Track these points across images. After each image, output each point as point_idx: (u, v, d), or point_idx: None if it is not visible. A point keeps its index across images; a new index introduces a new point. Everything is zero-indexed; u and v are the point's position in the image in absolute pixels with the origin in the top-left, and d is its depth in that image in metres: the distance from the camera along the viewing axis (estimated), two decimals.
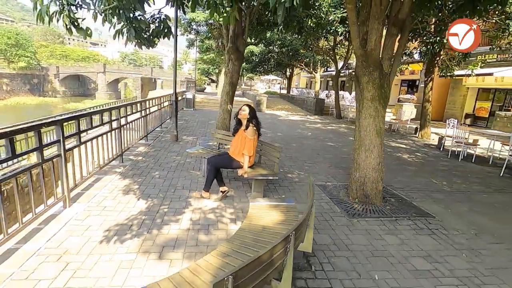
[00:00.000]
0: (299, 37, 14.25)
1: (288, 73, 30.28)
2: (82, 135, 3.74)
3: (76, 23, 2.77)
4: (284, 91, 33.14)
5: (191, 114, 13.93)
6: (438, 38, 8.23)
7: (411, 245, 3.13)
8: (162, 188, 4.21)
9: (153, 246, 2.75)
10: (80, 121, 3.73)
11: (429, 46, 8.64)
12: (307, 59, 21.94)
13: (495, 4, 3.64)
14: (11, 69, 48.88)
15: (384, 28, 4.16)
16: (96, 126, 4.25)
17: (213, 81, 48.95)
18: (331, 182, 5.05)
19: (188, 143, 7.43)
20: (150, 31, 3.59)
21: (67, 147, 3.37)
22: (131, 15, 3.09)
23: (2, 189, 2.37)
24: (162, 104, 9.14)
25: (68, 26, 2.72)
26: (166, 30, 3.61)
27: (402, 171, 6.12)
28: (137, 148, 6.38)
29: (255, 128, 3.86)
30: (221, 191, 3.89)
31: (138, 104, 6.49)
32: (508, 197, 4.99)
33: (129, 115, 5.69)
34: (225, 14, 3.23)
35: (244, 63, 26.82)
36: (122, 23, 3.29)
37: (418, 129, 11.28)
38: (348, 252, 2.90)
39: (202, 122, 11.43)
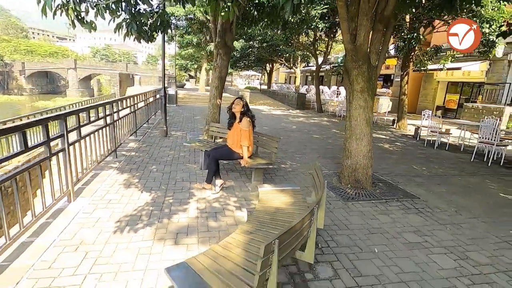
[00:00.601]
0: (284, 32, 14.47)
1: (268, 69, 30.49)
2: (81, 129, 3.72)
3: (80, 17, 2.77)
4: (264, 87, 33.39)
5: (175, 110, 13.79)
6: (414, 34, 8.76)
7: (402, 223, 3.45)
8: (162, 181, 4.27)
9: (167, 234, 2.85)
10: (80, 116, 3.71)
11: (406, 42, 9.17)
12: (288, 55, 22.24)
13: (469, 4, 4.03)
14: None
15: (371, 24, 4.44)
16: (94, 121, 4.23)
17: (191, 76, 48.23)
18: (323, 171, 5.33)
19: (178, 138, 7.45)
20: (148, 26, 3.61)
21: (72, 140, 3.36)
22: (133, 9, 3.12)
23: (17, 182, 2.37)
24: (147, 99, 9.03)
25: (72, 20, 2.72)
26: (164, 25, 3.65)
27: (385, 159, 6.54)
28: (128, 144, 6.33)
29: (248, 119, 4.01)
30: (219, 185, 4.00)
31: (128, 100, 6.42)
32: (479, 179, 5.52)
33: (120, 110, 5.64)
34: (226, 9, 3.34)
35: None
36: (122, 17, 3.31)
37: (396, 121, 11.93)
38: (348, 231, 3.16)
39: (188, 118, 11.40)
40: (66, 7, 2.61)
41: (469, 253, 2.88)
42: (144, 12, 3.30)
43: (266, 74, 32.35)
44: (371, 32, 4.35)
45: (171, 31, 20.93)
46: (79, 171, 3.73)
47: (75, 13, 2.65)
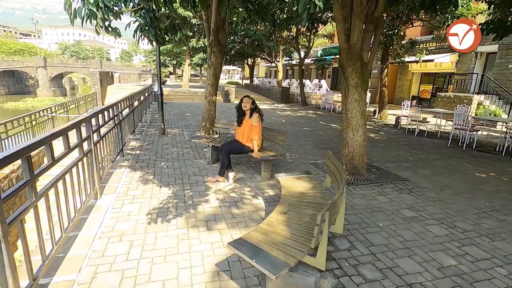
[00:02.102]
0: (268, 28, 14.71)
1: (250, 63, 30.68)
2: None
3: (108, 24, 2.95)
4: (246, 81, 33.57)
5: None
6: (396, 30, 9.38)
7: (397, 201, 3.95)
8: (176, 176, 4.52)
9: (197, 222, 3.15)
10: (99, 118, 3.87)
11: (387, 38, 9.79)
12: (270, 49, 22.56)
13: (449, 7, 4.55)
14: None
15: (363, 24, 4.87)
16: (108, 121, 4.38)
17: (171, 73, 47.42)
18: (320, 160, 5.77)
19: (176, 135, 7.62)
20: (163, 29, 3.81)
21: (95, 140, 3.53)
22: (153, 14, 3.32)
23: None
24: (141, 98, 9.07)
25: (101, 27, 2.89)
26: (176, 28, 3.85)
27: (374, 147, 7.10)
28: (130, 143, 6.45)
29: (258, 115, 4.35)
30: (232, 178, 4.32)
31: (128, 99, 6.52)
32: (457, 161, 6.19)
33: (123, 110, 5.76)
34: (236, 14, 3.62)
35: (204, 53, 26.58)
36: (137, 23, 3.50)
37: (377, 111, 12.66)
38: (355, 210, 3.61)
39: (179, 115, 11.49)
40: (95, 16, 2.78)
41: (456, 223, 3.41)
42: (160, 18, 3.50)
43: (247, 68, 32.48)
44: (362, 32, 4.78)
45: (181, 32, 20.58)
46: (101, 169, 3.91)
47: (103, 21, 2.83)
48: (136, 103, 8.17)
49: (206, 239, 2.82)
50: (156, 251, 2.61)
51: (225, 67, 46.45)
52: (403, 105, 10.44)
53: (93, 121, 3.76)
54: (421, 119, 9.52)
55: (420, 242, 2.95)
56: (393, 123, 11.11)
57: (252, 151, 4.33)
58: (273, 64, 26.70)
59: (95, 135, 3.57)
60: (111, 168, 4.67)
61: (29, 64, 50.33)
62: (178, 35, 19.40)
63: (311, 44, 16.70)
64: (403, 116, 10.32)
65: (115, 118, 4.94)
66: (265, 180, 4.45)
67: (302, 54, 17.59)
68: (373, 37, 4.96)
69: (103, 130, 4.23)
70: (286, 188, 2.94)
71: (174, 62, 41.22)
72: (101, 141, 3.88)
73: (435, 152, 6.91)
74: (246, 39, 20.47)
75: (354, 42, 4.63)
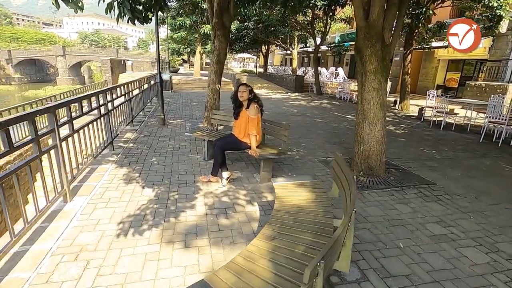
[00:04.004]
0: (281, 11, 13.83)
1: (264, 50, 29.68)
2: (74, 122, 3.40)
3: None
4: (260, 70, 32.66)
5: (170, 96, 13.33)
6: (423, 9, 8.31)
7: (422, 212, 3.26)
8: (165, 175, 4.01)
9: (175, 235, 2.62)
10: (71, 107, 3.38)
11: (412, 18, 8.73)
12: (284, 35, 21.55)
13: None
14: None
15: None
16: (88, 112, 3.90)
17: (185, 61, 46.99)
18: (331, 157, 5.10)
19: (176, 126, 7.13)
20: (142, 4, 3.22)
21: (64, 135, 3.05)
22: None
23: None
24: (142, 86, 8.61)
25: None
26: (160, 3, 3.25)
27: (393, 142, 6.31)
28: (125, 134, 6.01)
29: (256, 105, 3.71)
30: (226, 178, 3.75)
31: (123, 87, 6.04)
32: (492, 161, 5.33)
33: (114, 99, 5.28)
34: None
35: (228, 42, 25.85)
36: None
37: (398, 102, 11.65)
38: (369, 224, 2.96)
39: (185, 104, 11.00)
40: None
41: (499, 244, 2.70)
42: None
43: (262, 56, 31.51)
44: (385, 7, 3.99)
45: (168, 10, 20.02)
46: (75, 167, 3.45)
47: None
48: (136, 91, 7.72)
49: (179, 261, 2.29)
50: (114, 276, 2.10)
51: (240, 55, 45.55)
52: (428, 94, 9.44)
53: (66, 111, 3.27)
54: (448, 110, 8.55)
55: (453, 273, 2.29)
56: (416, 114, 10.13)
57: (250, 147, 3.73)
58: (289, 52, 25.63)
59: (64, 128, 3.08)
60: (95, 164, 4.21)
61: (49, 53, 51.45)
62: (189, 21, 18.75)
63: (327, 29, 15.63)
64: (427, 107, 9.33)
65: (101, 108, 4.46)
66: (264, 182, 3.85)
67: (318, 41, 16.55)
68: (397, 13, 4.16)
69: (82, 121, 3.76)
70: (281, 200, 2.34)
71: (188, 50, 40.68)
72: (74, 135, 3.39)
73: (465, 149, 6.05)
74: (259, 25, 19.57)
75: (374, 19, 3.86)
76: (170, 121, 7.65)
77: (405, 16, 9.34)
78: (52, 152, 2.89)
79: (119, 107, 5.70)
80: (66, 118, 3.22)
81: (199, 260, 2.30)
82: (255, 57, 45.36)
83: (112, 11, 3.00)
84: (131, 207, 3.09)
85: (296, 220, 2.02)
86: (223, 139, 3.88)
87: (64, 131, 3.16)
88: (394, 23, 4.19)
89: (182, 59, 47.39)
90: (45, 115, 2.81)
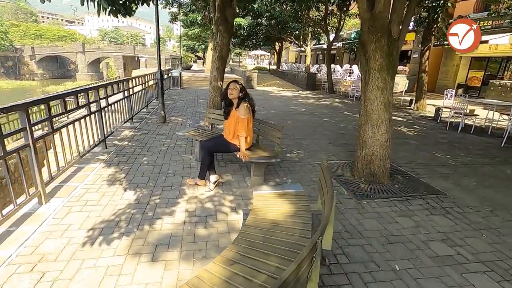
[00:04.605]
0: (293, 7, 13.43)
1: (277, 47, 29.21)
2: (61, 119, 3.25)
3: None
4: (273, 67, 32.23)
5: (178, 93, 13.25)
6: (441, 1, 7.71)
7: (427, 227, 2.89)
8: (151, 176, 3.82)
9: (144, 246, 2.40)
10: (53, 105, 3.23)
11: (430, 11, 8.14)
12: (297, 32, 21.06)
13: None
14: None
15: None
16: (71, 110, 3.75)
17: (199, 58, 47.13)
18: (333, 161, 4.76)
19: (177, 124, 6.96)
20: None
21: (39, 134, 2.91)
22: None
23: None
24: (147, 83, 8.50)
25: None
26: None
27: (403, 145, 5.88)
28: (122, 132, 5.89)
29: (247, 105, 3.43)
30: (213, 182, 3.51)
31: (120, 84, 5.91)
32: None
33: (109, 96, 5.15)
34: None
35: (232, 37, 25.67)
36: None
37: (414, 101, 11.04)
38: (362, 239, 2.64)
39: (191, 101, 10.86)
40: None
41: None
42: None
43: (275, 53, 31.06)
44: None
45: (177, 8, 19.99)
46: (55, 168, 3.31)
47: None
48: (139, 88, 7.61)
49: (142, 277, 2.07)
50: None
51: (253, 52, 45.19)
52: (446, 94, 8.84)
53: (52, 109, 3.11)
54: (468, 111, 7.95)
55: None
56: (432, 115, 9.53)
57: (239, 149, 3.47)
58: (302, 49, 25.09)
59: (52, 126, 2.93)
60: (83, 163, 4.09)
61: (69, 50, 52.99)
62: (200, 17, 18.61)
63: (341, 25, 15.06)
64: (444, 107, 8.73)
65: (91, 105, 4.31)
66: (256, 187, 3.58)
67: (332, 37, 16.01)
68: (407, 4, 3.76)
69: (64, 121, 3.61)
70: (256, 213, 2.07)
71: (203, 47, 40.72)
72: (59, 133, 3.25)
73: (484, 154, 5.53)
74: (272, 21, 19.19)
75: (380, 10, 3.50)
76: (172, 119, 7.50)
77: (421, 9, 8.75)
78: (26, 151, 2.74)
79: (115, 104, 5.57)
80: (45, 116, 3.06)
81: (163, 277, 2.08)
82: (269, 54, 44.92)
83: (90, 2, 2.80)
84: (107, 211, 2.91)
85: (267, 239, 1.75)
86: (211, 140, 3.64)
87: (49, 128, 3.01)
88: (404, 14, 3.79)
89: (197, 55, 47.57)
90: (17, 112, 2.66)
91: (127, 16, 3.21)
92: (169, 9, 19.24)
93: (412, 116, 9.66)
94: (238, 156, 3.42)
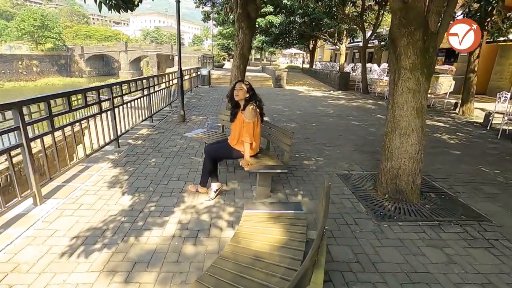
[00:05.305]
0: (327, 1, 12.76)
1: (311, 46, 28.35)
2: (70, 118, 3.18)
3: None
4: (307, 66, 31.38)
5: (206, 91, 13.26)
6: None
7: (462, 265, 2.34)
8: (154, 179, 3.64)
9: (123, 262, 2.18)
10: (59, 103, 3.17)
11: (482, 3, 7.11)
12: (332, 29, 20.15)
13: None
14: (39, 51, 50.34)
15: None
16: (78, 109, 3.69)
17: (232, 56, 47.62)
18: (355, 171, 4.25)
19: (196, 123, 6.82)
20: None
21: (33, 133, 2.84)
22: None
23: None
24: (171, 81, 8.51)
25: None
26: None
27: (442, 156, 5.14)
28: (139, 130, 5.86)
29: (253, 107, 3.08)
30: (214, 190, 3.22)
31: (138, 82, 5.88)
32: None
33: (125, 94, 5.10)
34: None
35: (264, 36, 25.36)
36: None
37: (459, 104, 9.87)
38: (376, 275, 2.18)
39: (216, 100, 10.75)
40: None
41: None
42: None
43: (309, 52, 30.20)
44: None
45: (210, 7, 20.14)
46: (57, 167, 3.25)
47: None
48: (162, 86, 7.61)
49: None
50: None
51: (287, 51, 44.53)
52: (499, 97, 7.71)
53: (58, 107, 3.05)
54: None
55: None
56: (481, 121, 8.40)
57: (243, 156, 3.15)
58: (337, 47, 24.02)
59: (52, 125, 2.86)
60: (91, 162, 4.03)
61: (114, 49, 56.43)
62: (231, 16, 18.50)
63: (379, 21, 14.04)
64: (496, 112, 7.62)
65: (101, 103, 4.26)
66: (260, 198, 3.24)
67: (369, 34, 15.00)
68: None
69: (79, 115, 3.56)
70: (238, 240, 1.72)
71: None
72: (66, 131, 3.17)
73: None
74: (305, 17, 18.54)
75: None
76: (192, 118, 7.38)
77: (472, 1, 7.69)
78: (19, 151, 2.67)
79: (131, 102, 5.53)
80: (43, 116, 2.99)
81: None
82: (304, 53, 43.93)
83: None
84: (97, 217, 2.75)
85: (240, 280, 1.40)
86: (214, 145, 3.36)
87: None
88: (445, 4, 3.18)
89: (230, 54, 48.09)
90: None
91: (128, 10, 3.04)
92: (202, 8, 19.43)
93: (456, 121, 8.60)
94: (240, 164, 3.10)
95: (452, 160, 4.97)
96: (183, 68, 7.14)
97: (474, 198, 3.53)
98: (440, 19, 3.13)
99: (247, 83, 3.19)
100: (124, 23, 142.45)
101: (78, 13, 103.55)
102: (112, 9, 2.91)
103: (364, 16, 14.73)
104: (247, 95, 3.14)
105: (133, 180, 3.59)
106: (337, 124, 7.41)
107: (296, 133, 6.29)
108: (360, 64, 21.87)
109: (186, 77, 11.42)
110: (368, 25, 16.38)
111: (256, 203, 2.33)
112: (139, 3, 3.15)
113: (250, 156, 3.17)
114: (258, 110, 3.15)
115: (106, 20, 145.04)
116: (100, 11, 2.93)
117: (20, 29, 49.98)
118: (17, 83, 42.73)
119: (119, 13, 3.06)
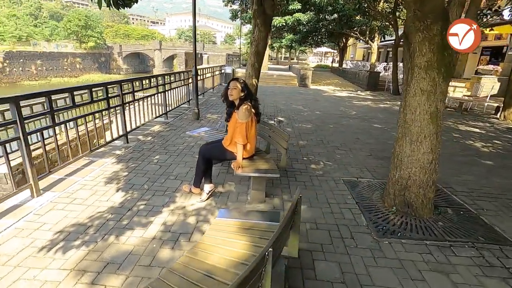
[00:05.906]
0: None
1: (341, 44, 27.40)
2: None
3: None
4: (336, 65, 30.40)
5: None
6: None
7: None
8: (152, 177, 3.62)
9: (95, 262, 2.14)
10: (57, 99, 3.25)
11: None
12: (363, 27, 19.27)
13: None
14: (82, 49, 53.98)
15: None
16: (84, 104, 3.77)
17: None
18: (365, 178, 3.93)
19: (209, 121, 6.80)
20: None
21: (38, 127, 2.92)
22: None
23: None
24: (190, 78, 8.57)
25: None
26: None
27: (470, 166, 4.61)
28: (152, 126, 5.94)
29: (247, 107, 2.92)
30: (206, 192, 3.12)
31: (153, 79, 5.96)
32: None
33: (137, 91, 5.17)
34: None
35: (291, 34, 24.91)
36: None
37: (501, 108, 8.91)
38: None
39: None
40: None
41: None
42: None
43: (339, 50, 29.24)
44: None
45: (238, 6, 20.19)
46: (55, 161, 3.34)
47: None
48: (179, 84, 7.68)
49: None
50: None
51: (318, 49, 43.55)
52: None
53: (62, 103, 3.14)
54: None
55: None
56: None
57: (236, 158, 3.00)
58: (369, 45, 22.94)
59: (53, 120, 2.94)
60: (97, 156, 4.12)
61: (149, 47, 58.98)
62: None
63: None
64: None
65: (109, 100, 4.33)
66: (254, 203, 3.08)
67: (401, 32, 14.07)
68: None
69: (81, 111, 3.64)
70: (196, 252, 1.57)
71: None
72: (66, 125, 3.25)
73: None
74: (334, 14, 17.89)
75: None
76: (207, 116, 7.38)
77: None
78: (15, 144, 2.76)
79: (144, 99, 5.61)
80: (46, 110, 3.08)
81: None
82: (335, 52, 42.67)
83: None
84: (86, 213, 2.76)
85: None
86: (209, 146, 3.25)
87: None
88: None
89: None
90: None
91: (126, 7, 3.02)
92: (230, 6, 19.51)
93: (495, 127, 7.75)
94: (232, 167, 2.96)
95: (481, 171, 4.43)
96: (210, 65, 7.14)
97: (500, 217, 3.08)
98: (464, 9, 2.75)
99: (241, 81, 3.04)
100: (160, 23, 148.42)
101: (119, 13, 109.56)
102: (110, 6, 2.91)
103: (397, 12, 13.85)
104: (242, 94, 2.99)
105: (131, 177, 3.60)
106: (356, 127, 6.99)
107: (310, 134, 6.02)
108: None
109: (208, 75, 11.49)
110: (402, 22, 15.39)
111: (230, 209, 2.17)
112: (137, 1, 3.13)
113: (244, 158, 3.02)
114: (253, 110, 2.99)
115: (144, 20, 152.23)
116: (100, 8, 2.94)
117: (67, 29, 53.92)
118: (62, 79, 46.12)
119: (118, 9, 3.06)
